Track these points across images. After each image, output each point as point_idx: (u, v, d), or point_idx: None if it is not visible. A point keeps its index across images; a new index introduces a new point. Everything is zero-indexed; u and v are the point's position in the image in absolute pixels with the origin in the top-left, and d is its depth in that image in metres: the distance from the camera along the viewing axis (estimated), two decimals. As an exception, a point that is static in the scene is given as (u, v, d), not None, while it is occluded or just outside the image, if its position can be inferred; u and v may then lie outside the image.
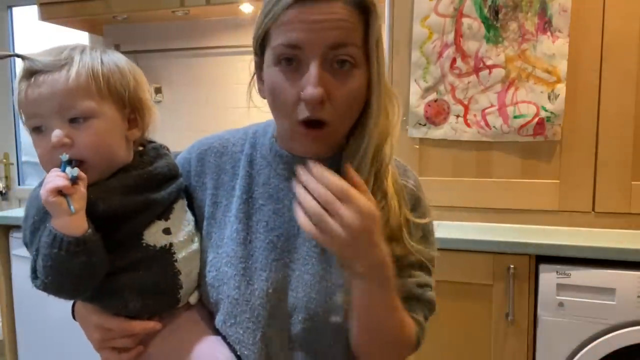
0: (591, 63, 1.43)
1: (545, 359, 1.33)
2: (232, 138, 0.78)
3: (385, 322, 0.66)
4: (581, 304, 1.29)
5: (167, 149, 0.75)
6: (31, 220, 0.63)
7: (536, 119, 1.46)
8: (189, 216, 0.73)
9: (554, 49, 1.44)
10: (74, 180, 0.59)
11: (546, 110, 1.46)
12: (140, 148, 0.72)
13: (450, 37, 1.51)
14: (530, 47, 1.45)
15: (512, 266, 1.33)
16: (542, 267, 1.32)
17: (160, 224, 0.68)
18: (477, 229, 1.49)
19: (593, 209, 1.46)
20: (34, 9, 2.12)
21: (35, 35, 2.63)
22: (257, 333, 0.68)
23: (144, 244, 0.66)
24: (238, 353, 0.68)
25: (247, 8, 1.98)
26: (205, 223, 0.74)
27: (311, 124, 0.63)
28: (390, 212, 0.67)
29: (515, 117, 1.48)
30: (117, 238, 0.64)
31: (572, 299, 1.29)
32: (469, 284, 1.38)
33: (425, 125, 1.55)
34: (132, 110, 0.68)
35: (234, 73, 2.23)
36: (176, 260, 0.68)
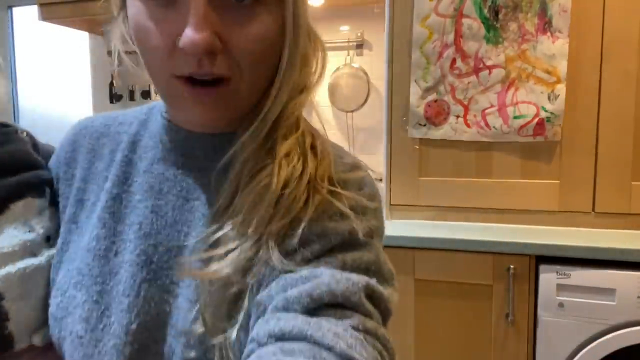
0: (591, 63, 1.43)
1: (546, 359, 1.33)
2: (124, 116, 0.57)
3: None
4: (581, 305, 1.28)
5: (28, 135, 0.58)
6: None
7: (536, 120, 1.46)
8: (41, 222, 0.53)
9: (554, 49, 1.44)
10: None
11: (546, 111, 1.46)
12: None
13: (450, 38, 1.51)
14: (530, 47, 1.45)
15: (512, 266, 1.33)
16: (542, 267, 1.32)
17: None
18: (477, 229, 1.49)
19: (593, 209, 1.46)
20: (34, 9, 2.12)
21: (35, 35, 2.63)
22: None
23: None
24: None
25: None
26: (64, 229, 0.53)
27: (199, 81, 0.43)
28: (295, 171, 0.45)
29: (515, 117, 1.48)
30: None
31: (572, 299, 1.29)
32: (469, 284, 1.38)
33: (425, 125, 1.55)
34: None
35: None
36: None
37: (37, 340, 0.51)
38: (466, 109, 1.52)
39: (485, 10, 1.48)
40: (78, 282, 0.48)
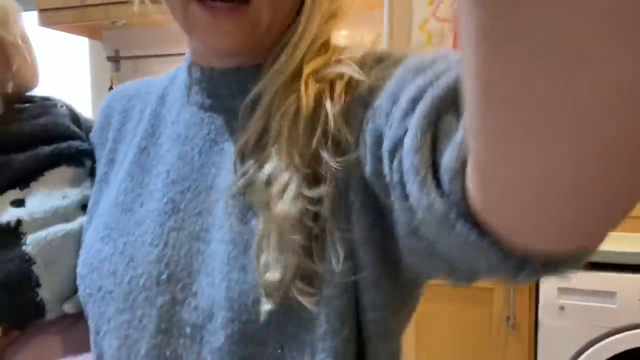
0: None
1: (547, 362, 1.33)
2: (156, 78, 0.57)
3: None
4: (582, 307, 1.28)
5: (68, 108, 0.59)
6: None
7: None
8: (77, 190, 0.53)
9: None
10: None
11: None
12: (27, 105, 0.57)
13: (449, 42, 1.51)
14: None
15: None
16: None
17: (11, 194, 0.50)
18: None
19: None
20: (33, 15, 2.12)
21: (35, 40, 2.63)
22: (141, 348, 0.42)
23: None
24: None
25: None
26: (94, 190, 0.52)
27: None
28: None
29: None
30: None
31: (573, 302, 1.29)
32: (469, 287, 1.38)
33: (424, 129, 1.56)
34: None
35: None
36: (25, 243, 0.48)
37: (68, 307, 0.50)
38: (465, 112, 1.53)
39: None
40: (105, 235, 0.47)
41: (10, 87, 0.56)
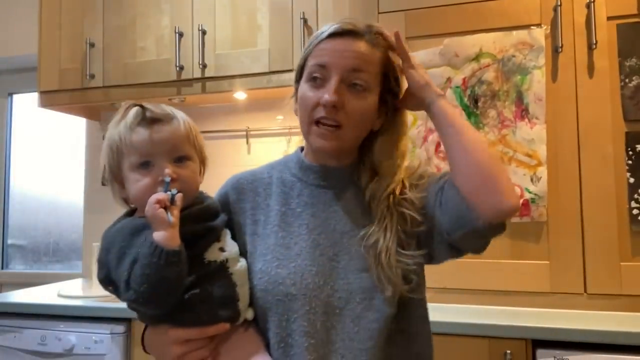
0: (569, 147, 1.49)
1: None
2: (258, 170, 0.94)
3: (477, 139, 0.79)
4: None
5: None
6: (117, 247, 0.74)
7: (521, 200, 1.49)
8: (233, 241, 0.84)
9: (532, 134, 1.51)
10: (172, 200, 0.73)
11: (530, 192, 1.49)
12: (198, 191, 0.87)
13: (431, 148, 1.58)
14: (509, 132, 1.53)
15: (508, 352, 1.28)
16: (539, 352, 1.28)
17: (216, 245, 0.81)
18: (470, 312, 1.46)
19: (585, 291, 1.45)
20: (33, 96, 2.19)
21: (34, 120, 2.70)
22: (317, 322, 0.77)
23: (206, 261, 0.78)
24: (306, 344, 0.76)
25: (240, 95, 2.08)
26: (249, 239, 0.86)
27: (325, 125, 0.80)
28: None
29: (500, 198, 1.51)
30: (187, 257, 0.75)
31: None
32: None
33: (413, 206, 1.58)
34: (201, 162, 0.84)
35: (228, 155, 2.27)
36: (232, 274, 0.79)
37: (250, 314, 0.82)
38: (453, 190, 1.55)
39: (465, 99, 1.57)
40: (279, 264, 0.81)
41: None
